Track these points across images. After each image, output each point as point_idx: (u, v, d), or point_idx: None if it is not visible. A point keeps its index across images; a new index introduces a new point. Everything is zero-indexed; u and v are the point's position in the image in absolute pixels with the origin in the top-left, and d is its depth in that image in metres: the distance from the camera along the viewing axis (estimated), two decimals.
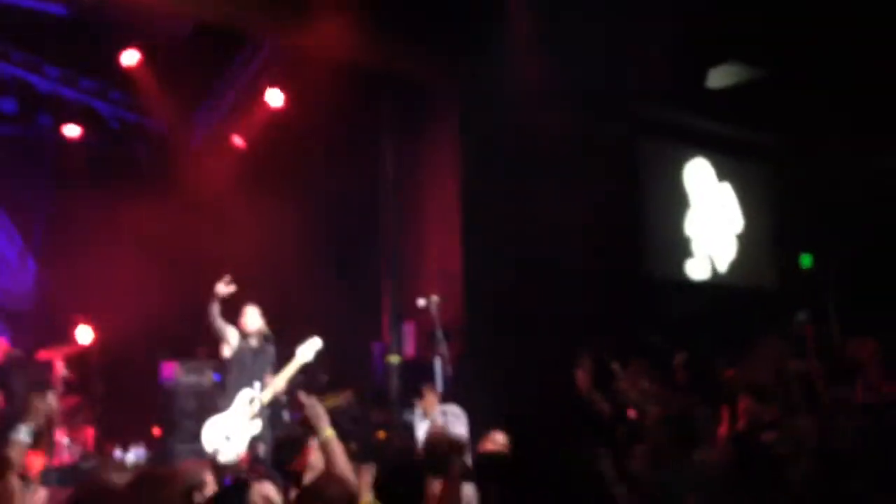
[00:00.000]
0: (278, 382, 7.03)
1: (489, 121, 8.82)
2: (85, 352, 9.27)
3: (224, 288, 7.12)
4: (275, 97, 9.41)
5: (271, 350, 7.63)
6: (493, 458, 5.37)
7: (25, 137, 9.67)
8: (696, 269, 11.11)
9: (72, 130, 9.91)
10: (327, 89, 8.47)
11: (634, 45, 8.89)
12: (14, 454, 3.46)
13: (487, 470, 4.85)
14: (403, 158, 9.08)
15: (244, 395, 7.14)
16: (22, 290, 10.29)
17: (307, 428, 3.83)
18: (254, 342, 7.50)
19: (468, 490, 4.93)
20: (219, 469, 6.08)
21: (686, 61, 9.24)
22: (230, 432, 6.92)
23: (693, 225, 11.20)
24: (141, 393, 9.04)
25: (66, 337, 9.23)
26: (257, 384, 7.44)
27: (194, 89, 9.52)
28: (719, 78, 9.85)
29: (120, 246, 9.66)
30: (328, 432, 3.70)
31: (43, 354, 8.89)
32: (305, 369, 7.29)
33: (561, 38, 8.57)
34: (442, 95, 9.11)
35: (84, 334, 9.40)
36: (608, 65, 8.85)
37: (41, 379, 8.46)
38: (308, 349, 7.19)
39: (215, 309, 7.22)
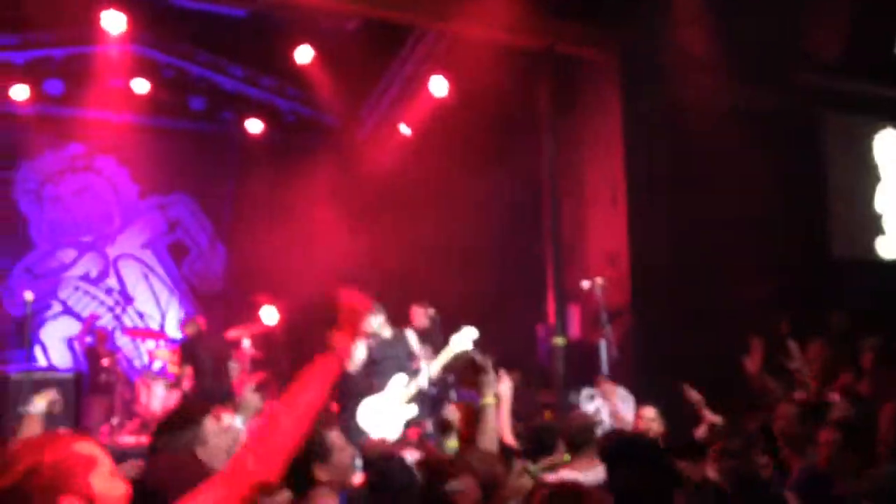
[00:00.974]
0: (433, 368, 7.20)
1: (653, 97, 8.54)
2: (270, 330, 9.88)
3: None
4: (438, 84, 9.59)
5: (406, 334, 7.74)
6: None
7: (212, 132, 10.41)
8: (888, 248, 10.31)
9: (254, 126, 10.58)
10: (488, 73, 8.53)
11: (814, 9, 8.35)
12: (230, 441, 3.71)
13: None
14: (565, 138, 8.99)
15: (399, 379, 7.39)
16: (213, 273, 11.12)
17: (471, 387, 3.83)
18: (386, 334, 7.64)
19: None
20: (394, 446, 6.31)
21: (871, 25, 8.56)
22: (385, 413, 7.17)
23: (884, 201, 10.39)
24: None
25: (253, 316, 9.90)
26: (413, 365, 7.68)
27: (363, 81, 9.86)
28: None
29: (299, 230, 10.24)
30: (490, 399, 3.72)
31: (232, 333, 9.58)
32: (461, 357, 7.39)
33: (730, 2, 8.18)
34: (603, 72, 8.93)
35: (269, 314, 10.03)
36: (785, 31, 8.36)
37: (227, 355, 9.11)
38: (463, 338, 7.29)
39: None
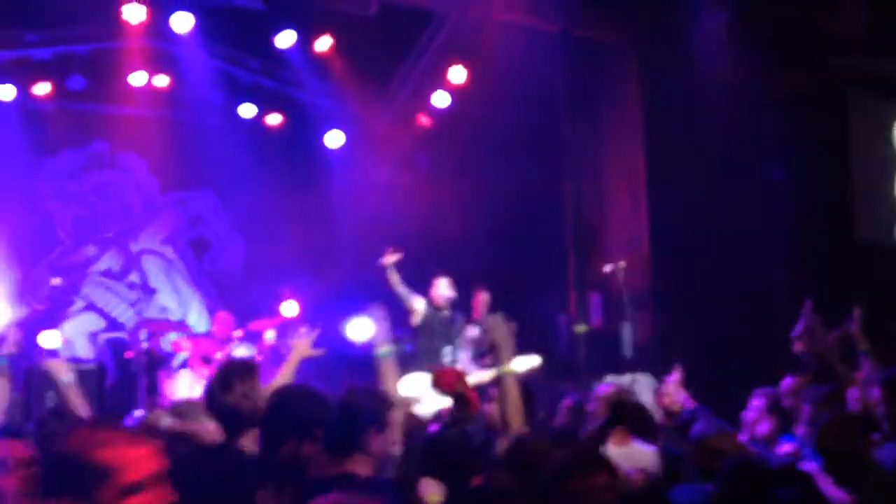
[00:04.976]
0: (484, 376, 7.22)
1: (673, 80, 8.52)
2: (291, 322, 9.91)
3: (389, 258, 7.53)
4: (458, 73, 9.59)
5: (461, 319, 7.91)
6: None
7: (232, 126, 10.44)
8: None
9: (273, 119, 10.62)
10: (507, 60, 8.54)
11: None
12: None
13: None
14: (584, 125, 8.98)
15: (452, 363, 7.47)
16: (234, 268, 11.16)
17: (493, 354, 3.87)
18: (445, 312, 7.86)
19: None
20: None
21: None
22: (424, 393, 7.20)
23: None
24: None
25: (275, 309, 9.94)
26: (448, 349, 7.74)
27: (382, 71, 9.88)
28: None
29: (312, 222, 10.27)
30: (508, 367, 3.77)
31: (253, 326, 9.61)
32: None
33: None
34: (621, 56, 8.91)
35: (290, 307, 10.07)
36: (806, 11, 8.31)
37: None
38: (524, 363, 7.46)
39: (392, 277, 7.62)
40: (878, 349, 6.52)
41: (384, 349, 4.15)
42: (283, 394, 3.45)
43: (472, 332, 7.92)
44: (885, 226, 10.03)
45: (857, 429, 3.92)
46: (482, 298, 8.05)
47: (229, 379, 3.66)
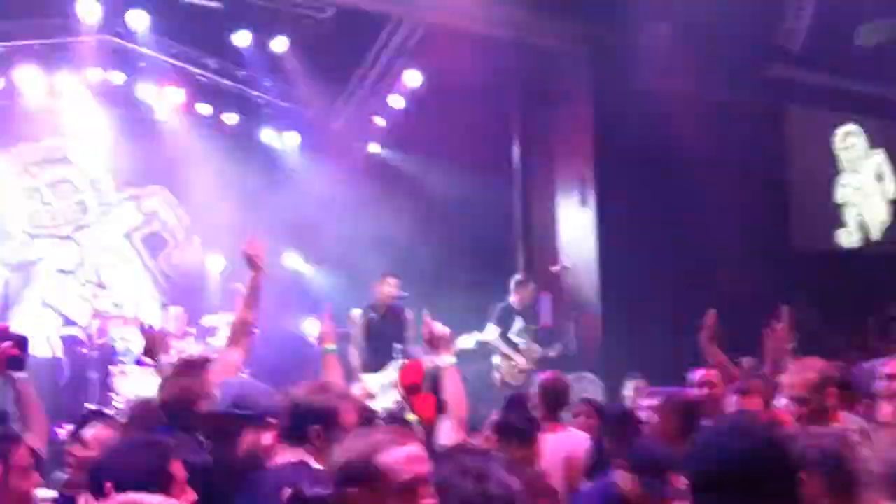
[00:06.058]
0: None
1: (622, 90, 8.76)
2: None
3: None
4: (412, 77, 9.75)
5: (406, 316, 8.05)
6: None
7: (188, 124, 10.46)
8: (847, 238, 10.61)
9: (229, 118, 10.67)
10: (461, 66, 8.71)
11: (777, 3, 8.60)
12: None
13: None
14: (536, 130, 9.20)
15: (396, 364, 7.61)
16: (188, 263, 11.14)
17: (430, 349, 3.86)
18: (391, 311, 8.01)
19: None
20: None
21: (834, 18, 8.82)
22: (376, 391, 7.35)
23: (844, 192, 10.70)
24: None
25: (231, 306, 9.96)
26: (397, 346, 7.89)
27: (337, 73, 9.98)
28: (871, 34, 9.29)
29: (267, 222, 10.33)
30: (449, 359, 3.80)
31: (206, 322, 9.67)
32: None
33: None
34: (573, 64, 9.14)
35: None
36: (750, 25, 8.61)
37: None
38: (471, 338, 7.67)
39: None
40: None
41: (329, 345, 4.28)
42: (233, 386, 3.48)
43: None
44: (825, 230, 10.42)
45: None
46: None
47: (180, 376, 3.74)
